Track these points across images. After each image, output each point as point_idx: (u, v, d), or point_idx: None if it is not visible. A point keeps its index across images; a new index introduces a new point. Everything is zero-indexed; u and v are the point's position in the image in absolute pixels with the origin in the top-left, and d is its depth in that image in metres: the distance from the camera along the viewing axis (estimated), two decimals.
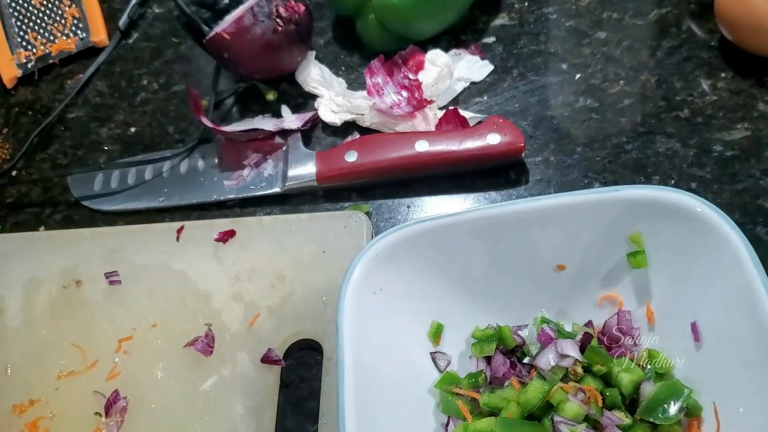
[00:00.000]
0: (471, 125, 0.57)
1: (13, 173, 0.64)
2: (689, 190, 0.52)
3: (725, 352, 0.41)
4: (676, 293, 0.44)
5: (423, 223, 0.46)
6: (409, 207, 0.55)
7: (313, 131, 0.61)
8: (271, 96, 0.63)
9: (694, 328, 0.43)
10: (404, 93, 0.58)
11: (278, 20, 0.58)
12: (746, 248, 0.41)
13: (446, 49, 0.62)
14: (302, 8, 0.60)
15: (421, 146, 0.55)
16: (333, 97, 0.60)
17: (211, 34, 0.59)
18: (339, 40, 0.66)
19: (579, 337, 0.45)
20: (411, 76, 0.58)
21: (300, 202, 0.57)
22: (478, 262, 0.47)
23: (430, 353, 0.46)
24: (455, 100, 0.60)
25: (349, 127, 0.60)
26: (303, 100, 0.63)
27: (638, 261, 0.45)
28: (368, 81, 0.58)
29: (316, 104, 0.61)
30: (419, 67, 0.59)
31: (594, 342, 0.44)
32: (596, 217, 0.45)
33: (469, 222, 0.46)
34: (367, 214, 0.55)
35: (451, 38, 0.64)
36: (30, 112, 0.67)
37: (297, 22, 0.59)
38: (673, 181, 0.53)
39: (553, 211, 0.45)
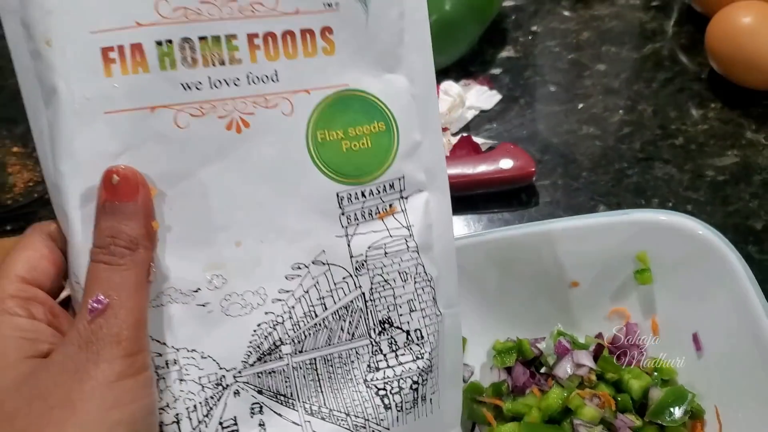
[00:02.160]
0: (483, 151, 0.62)
1: (46, 196, 0.67)
2: (685, 212, 0.57)
3: (724, 360, 0.46)
4: (678, 307, 0.49)
5: None
6: None
7: None
8: None
9: (695, 338, 0.48)
10: None
11: None
12: (742, 266, 0.46)
13: (456, 80, 0.67)
14: None
15: None
16: None
17: None
18: None
19: (592, 348, 0.49)
20: None
21: None
22: (498, 280, 0.51)
23: None
24: (466, 127, 0.65)
25: None
26: None
27: (644, 278, 0.50)
28: None
29: None
30: None
31: (605, 352, 0.49)
32: (606, 237, 0.50)
33: (491, 242, 0.50)
34: None
35: (461, 70, 0.68)
36: None
37: None
38: (671, 204, 0.58)
39: (568, 233, 0.50)
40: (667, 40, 0.67)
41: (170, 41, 0.31)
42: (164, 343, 0.33)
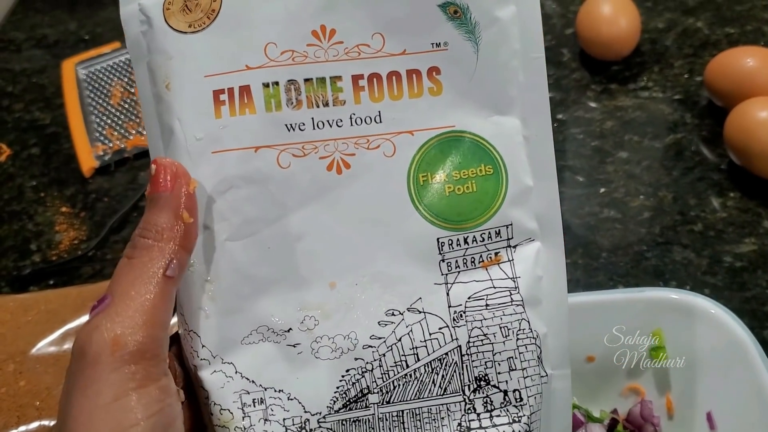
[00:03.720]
0: None
1: (89, 253, 0.70)
2: (703, 295, 0.58)
3: None
4: (693, 385, 0.50)
5: None
6: None
7: None
8: None
9: (709, 417, 0.48)
10: None
11: None
12: (755, 347, 0.47)
13: None
14: None
15: None
16: None
17: None
18: None
19: (606, 422, 0.50)
20: None
21: None
22: None
23: None
24: None
25: None
26: None
27: (659, 355, 0.51)
28: None
29: None
30: None
31: (620, 427, 0.50)
32: (622, 314, 0.51)
33: None
34: None
35: None
36: (105, 199, 0.75)
37: None
38: (688, 287, 0.59)
39: (584, 308, 0.51)
40: (688, 132, 0.70)
41: (276, 83, 0.32)
42: (253, 381, 0.32)
